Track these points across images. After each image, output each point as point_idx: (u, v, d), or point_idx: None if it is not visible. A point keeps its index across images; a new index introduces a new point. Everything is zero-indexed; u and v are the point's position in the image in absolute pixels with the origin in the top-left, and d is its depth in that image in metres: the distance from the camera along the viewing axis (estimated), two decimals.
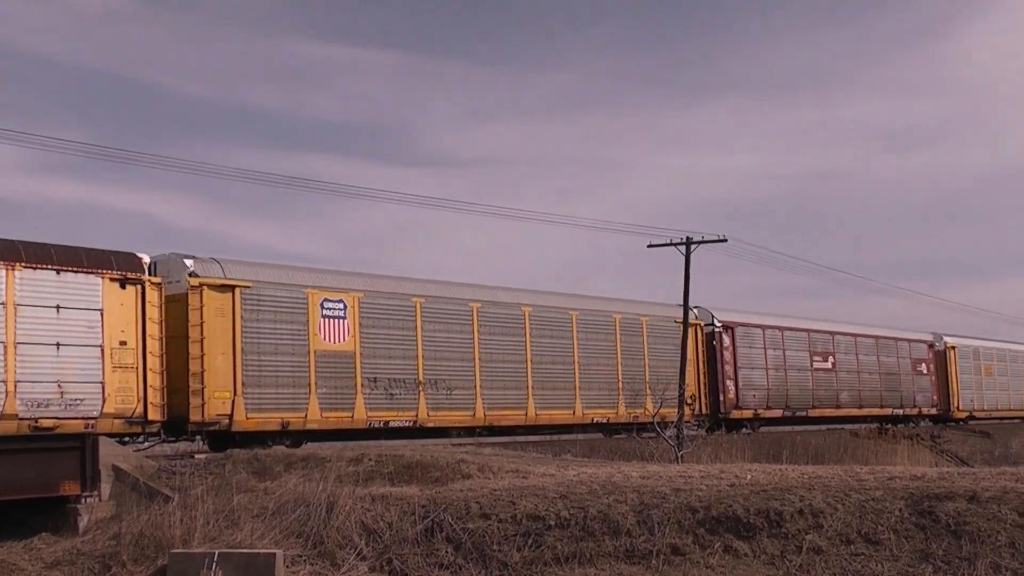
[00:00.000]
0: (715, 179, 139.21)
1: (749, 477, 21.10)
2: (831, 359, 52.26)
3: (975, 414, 63.61)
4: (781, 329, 48.96)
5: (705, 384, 44.09)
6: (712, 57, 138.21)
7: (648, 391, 38.66)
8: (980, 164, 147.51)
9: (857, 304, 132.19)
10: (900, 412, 56.58)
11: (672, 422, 35.57)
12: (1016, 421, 67.56)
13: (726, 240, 40.48)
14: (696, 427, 42.54)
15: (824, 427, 50.63)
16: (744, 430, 44.86)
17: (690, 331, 41.87)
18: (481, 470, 23.25)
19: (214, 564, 18.96)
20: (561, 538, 19.22)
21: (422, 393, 33.05)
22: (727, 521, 18.81)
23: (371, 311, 32.24)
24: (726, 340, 45.50)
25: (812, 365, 50.66)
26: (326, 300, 31.11)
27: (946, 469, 24.26)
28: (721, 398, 44.69)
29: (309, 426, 30.11)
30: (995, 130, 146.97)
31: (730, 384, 45.29)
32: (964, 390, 62.75)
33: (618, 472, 22.74)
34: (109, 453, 23.61)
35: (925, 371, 59.47)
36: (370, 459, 24.17)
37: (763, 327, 48.08)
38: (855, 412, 53.32)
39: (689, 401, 40.04)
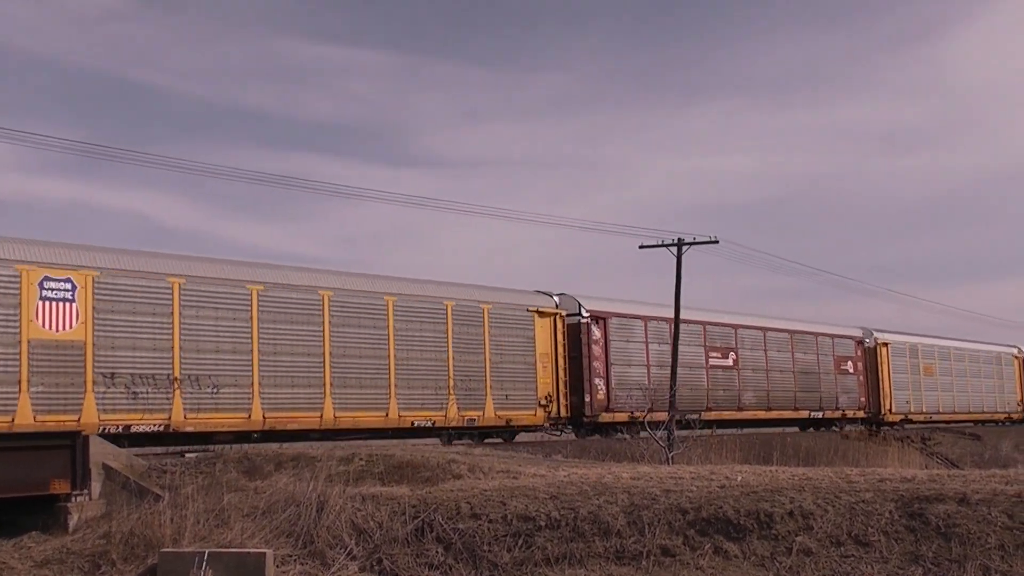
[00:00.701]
0: (709, 180, 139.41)
1: (739, 478, 21.12)
2: (732, 355, 46.96)
3: (911, 417, 59.13)
4: (669, 321, 42.10)
5: (566, 383, 38.25)
6: (706, 58, 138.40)
7: (489, 390, 34.84)
8: (973, 166, 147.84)
9: (850, 307, 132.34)
10: (819, 415, 52.16)
11: (530, 426, 34.25)
12: (963, 424, 63.52)
13: (717, 242, 40.54)
14: (557, 433, 38.54)
15: (722, 432, 42.52)
16: (619, 435, 38.73)
17: (545, 322, 37.45)
18: (471, 470, 23.25)
19: (204, 563, 18.94)
20: (551, 539, 19.23)
21: (178, 391, 28.02)
22: (717, 522, 18.83)
23: (110, 293, 27.12)
24: (596, 332, 40.06)
25: (708, 362, 45.41)
26: (47, 279, 25.96)
27: (936, 471, 24.29)
28: (587, 399, 39.08)
29: (17, 431, 25.09)
30: (988, 132, 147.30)
31: (599, 383, 39.79)
32: (898, 391, 58.18)
33: (609, 473, 22.75)
34: (99, 452, 23.55)
35: (851, 370, 54.68)
36: (360, 458, 24.17)
37: (645, 318, 42.55)
38: (761, 415, 48.45)
39: (543, 402, 36.64)
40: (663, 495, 19.87)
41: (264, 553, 19.24)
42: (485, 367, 35.36)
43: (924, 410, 60.01)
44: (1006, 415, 68.65)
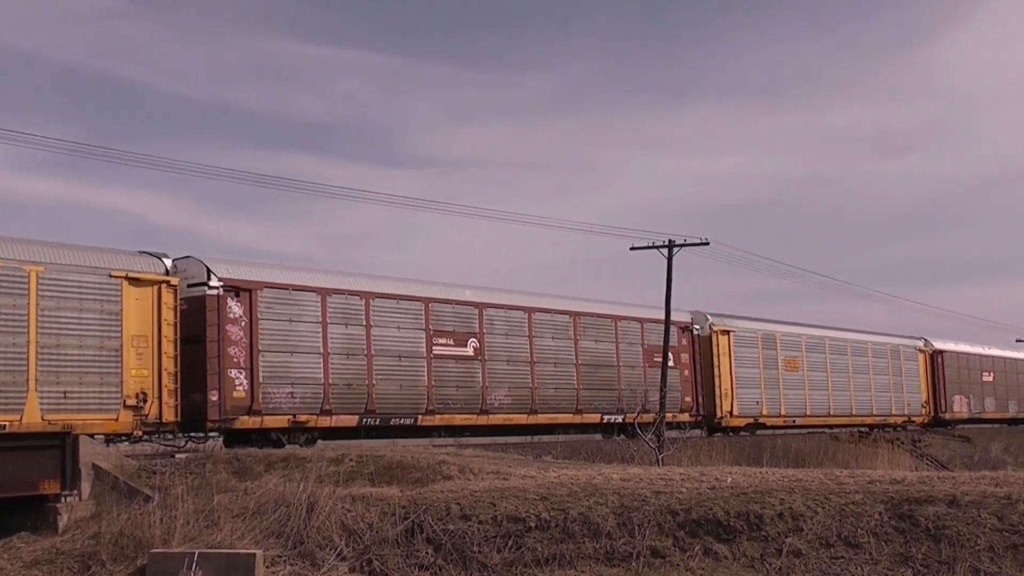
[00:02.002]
0: (700, 182, 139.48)
1: (730, 480, 21.14)
2: (473, 342, 35.55)
3: (764, 421, 48.25)
4: (366, 295, 32.81)
5: (175, 375, 26.87)
6: (697, 61, 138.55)
7: (33, 383, 23.63)
8: (963, 169, 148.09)
9: (841, 308, 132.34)
10: (616, 419, 40.02)
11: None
12: (842, 430, 53.52)
13: (708, 243, 40.52)
14: (155, 440, 27.66)
15: (468, 442, 34.42)
16: (294, 445, 29.93)
17: (144, 292, 26.59)
18: (462, 471, 23.24)
19: (194, 564, 18.93)
20: (541, 540, 19.23)
21: None
22: (707, 524, 18.84)
23: None
24: (234, 308, 29.54)
25: (432, 351, 34.18)
26: None
27: (926, 473, 24.32)
28: (214, 397, 28.56)
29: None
30: (978, 136, 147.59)
31: (239, 376, 29.19)
32: (743, 389, 47.01)
33: (599, 474, 22.76)
34: (89, 452, 23.54)
35: (673, 363, 42.16)
36: (351, 459, 24.15)
37: (323, 291, 31.82)
38: (519, 419, 37.02)
39: (134, 402, 25.78)
40: (653, 496, 19.88)
41: (254, 554, 19.23)
42: (28, 352, 24.46)
43: (784, 412, 49.52)
44: (905, 418, 59.03)
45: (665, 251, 40.39)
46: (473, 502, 20.44)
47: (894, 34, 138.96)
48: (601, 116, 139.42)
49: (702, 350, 45.29)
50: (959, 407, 64.05)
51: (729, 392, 46.13)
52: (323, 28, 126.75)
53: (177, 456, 25.77)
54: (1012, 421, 70.48)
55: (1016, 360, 74.10)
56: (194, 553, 19.19)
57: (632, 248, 41.36)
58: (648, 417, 36.22)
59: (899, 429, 58.20)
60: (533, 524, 19.55)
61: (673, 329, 41.85)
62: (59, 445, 23.14)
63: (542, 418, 37.63)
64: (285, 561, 19.78)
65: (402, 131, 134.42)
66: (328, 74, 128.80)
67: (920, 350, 61.39)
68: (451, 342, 34.98)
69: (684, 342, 44.08)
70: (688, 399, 43.90)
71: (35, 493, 22.52)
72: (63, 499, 22.73)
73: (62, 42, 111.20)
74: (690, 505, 19.33)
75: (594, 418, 39.47)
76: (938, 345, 63.29)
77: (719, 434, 45.50)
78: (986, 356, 69.27)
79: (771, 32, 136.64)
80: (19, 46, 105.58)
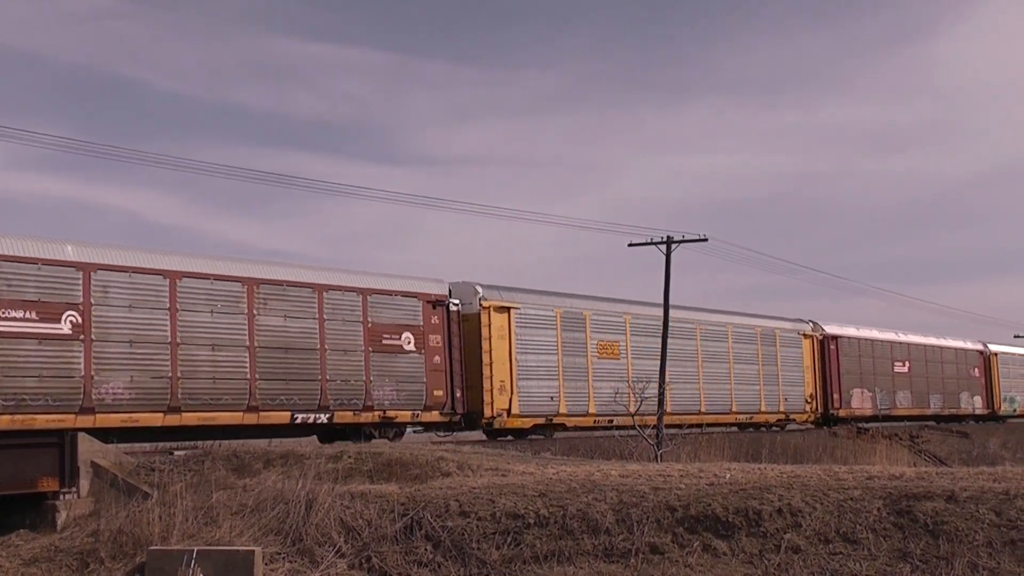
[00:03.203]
0: (699, 180, 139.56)
1: (728, 476, 21.14)
2: (71, 317, 26.60)
3: (564, 421, 39.07)
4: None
5: None
6: (695, 58, 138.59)
7: None
8: (962, 167, 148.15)
9: (839, 306, 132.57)
10: (322, 418, 31.22)
11: None
12: (677, 431, 39.26)
13: (707, 240, 40.49)
14: None
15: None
16: None
17: None
18: (460, 468, 23.24)
19: (193, 561, 18.92)
20: (540, 536, 19.24)
21: None
22: (706, 520, 18.85)
23: None
24: None
25: None
26: None
27: (924, 469, 24.33)
28: None
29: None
30: (976, 134, 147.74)
31: None
32: (530, 381, 37.57)
33: (597, 471, 22.76)
34: (88, 449, 23.52)
35: (415, 346, 33.77)
36: (349, 456, 24.15)
37: None
38: (154, 421, 27.98)
39: None
40: (652, 493, 19.89)
41: (253, 551, 19.23)
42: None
43: (595, 411, 39.80)
44: (781, 415, 49.95)
45: (663, 247, 40.37)
46: (472, 499, 20.44)
47: (893, 32, 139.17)
48: (600, 114, 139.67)
49: (467, 331, 35.98)
50: (859, 402, 55.63)
51: (507, 385, 36.53)
52: (323, 27, 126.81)
53: (176, 453, 25.78)
54: (935, 419, 62.00)
55: (940, 348, 64.59)
56: (193, 550, 19.18)
57: (630, 244, 41.35)
58: (371, 416, 31.47)
59: (770, 429, 48.72)
60: (532, 521, 19.55)
61: (414, 304, 34.03)
62: (58, 443, 23.13)
63: (190, 418, 28.56)
64: (284, 558, 19.78)
65: (402, 129, 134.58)
66: (328, 73, 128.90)
67: (805, 335, 52.52)
68: (31, 315, 26.09)
69: (436, 320, 34.62)
70: (439, 393, 34.14)
71: (34, 491, 22.51)
72: (62, 496, 22.72)
73: (62, 42, 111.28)
74: (689, 501, 19.34)
75: (280, 417, 30.44)
76: (831, 329, 54.68)
77: (501, 436, 37.55)
78: (899, 343, 60.32)
79: (770, 30, 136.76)
80: (19, 46, 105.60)
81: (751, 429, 46.51)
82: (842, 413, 53.77)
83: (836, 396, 53.83)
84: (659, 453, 32.19)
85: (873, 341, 58.00)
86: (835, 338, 54.60)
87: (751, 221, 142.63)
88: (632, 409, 34.99)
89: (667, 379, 38.98)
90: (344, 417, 31.10)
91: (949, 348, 65.36)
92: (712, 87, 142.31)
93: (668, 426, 38.10)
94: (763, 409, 48.12)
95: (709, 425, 44.37)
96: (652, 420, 35.26)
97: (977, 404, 67.49)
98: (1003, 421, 69.36)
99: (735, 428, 46.64)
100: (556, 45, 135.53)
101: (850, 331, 56.39)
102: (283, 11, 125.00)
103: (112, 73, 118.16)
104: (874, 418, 56.77)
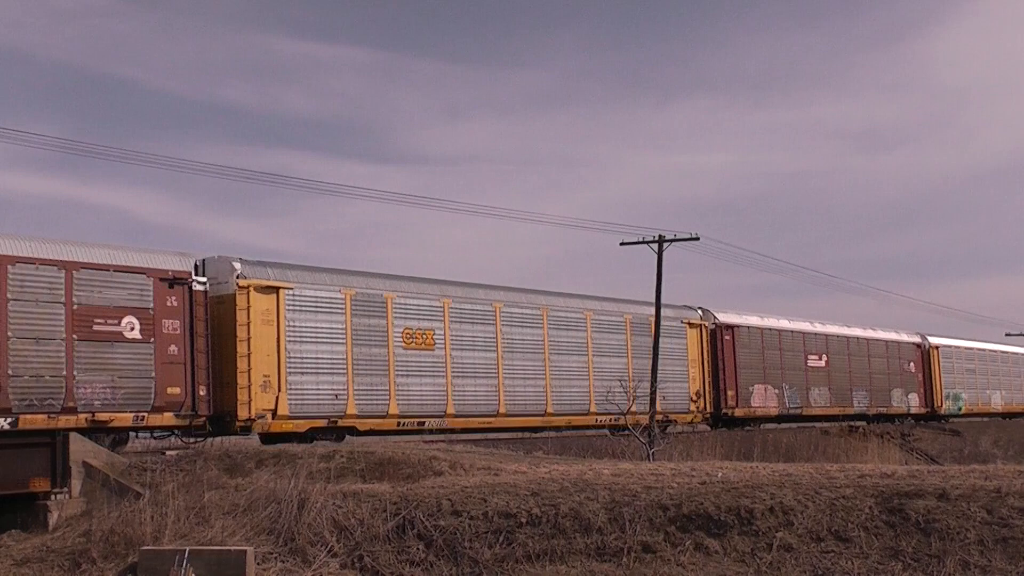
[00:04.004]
0: (689, 178, 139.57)
1: (720, 475, 21.16)
2: None
3: (354, 424, 31.89)
4: None
5: None
6: (686, 57, 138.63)
7: None
8: (953, 165, 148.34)
9: (832, 304, 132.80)
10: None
11: None
12: (518, 434, 37.47)
13: (698, 238, 40.46)
14: None
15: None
16: None
17: None
18: (453, 467, 23.25)
19: (185, 561, 18.91)
20: (532, 535, 19.23)
21: None
22: (698, 519, 18.86)
23: None
24: None
25: None
26: None
27: (916, 467, 24.38)
28: None
29: None
30: (966, 131, 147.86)
31: None
32: (305, 376, 30.90)
33: (589, 470, 22.77)
34: (80, 449, 23.52)
35: (144, 334, 27.09)
36: (341, 456, 24.15)
37: None
38: None
39: None
40: (644, 492, 19.89)
41: (245, 551, 19.21)
42: None
43: (399, 411, 33.03)
44: (659, 416, 39.17)
45: (655, 246, 40.36)
46: (464, 498, 20.44)
47: (884, 29, 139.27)
48: (591, 112, 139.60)
49: (219, 316, 29.59)
50: (761, 400, 48.76)
51: (273, 381, 30.16)
52: (313, 25, 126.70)
53: (168, 453, 25.76)
54: (859, 418, 56.06)
55: (866, 340, 58.20)
56: (185, 550, 19.16)
57: (623, 243, 41.34)
58: (75, 420, 25.11)
59: (616, 433, 38.19)
60: (524, 520, 19.55)
61: (147, 282, 27.51)
62: (49, 443, 23.11)
63: None
64: (276, 558, 19.76)
65: (394, 128, 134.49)
66: (320, 71, 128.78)
67: (691, 323, 45.26)
68: None
69: (173, 302, 27.98)
70: (175, 391, 27.67)
71: (25, 491, 22.49)
72: (53, 497, 22.71)
73: (52, 40, 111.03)
74: (681, 500, 19.35)
75: None
76: (725, 318, 47.91)
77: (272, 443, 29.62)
78: (814, 334, 53.54)
79: (761, 28, 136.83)
80: (9, 44, 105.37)
81: (624, 432, 35.52)
82: (738, 412, 46.93)
83: (731, 393, 46.77)
84: (651, 452, 32.22)
85: (781, 332, 51.12)
86: (731, 328, 47.74)
87: (743, 220, 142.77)
88: (451, 410, 32.31)
89: (503, 374, 36.12)
90: (34, 422, 24.68)
91: (878, 340, 58.93)
92: (704, 85, 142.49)
93: (476, 430, 35.14)
94: (631, 409, 37.27)
95: (544, 428, 38.38)
96: (479, 423, 34.41)
97: (913, 402, 60.88)
98: (946, 421, 62.85)
99: (606, 432, 38.54)
100: (548, 44, 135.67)
101: (751, 320, 49.80)
102: (274, 9, 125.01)
103: (102, 71, 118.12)
104: (782, 418, 50.34)
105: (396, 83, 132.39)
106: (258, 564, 19.37)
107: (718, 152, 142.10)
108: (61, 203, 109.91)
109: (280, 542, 20.13)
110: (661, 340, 40.25)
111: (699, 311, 46.56)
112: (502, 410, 35.95)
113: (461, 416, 34.43)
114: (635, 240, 40.99)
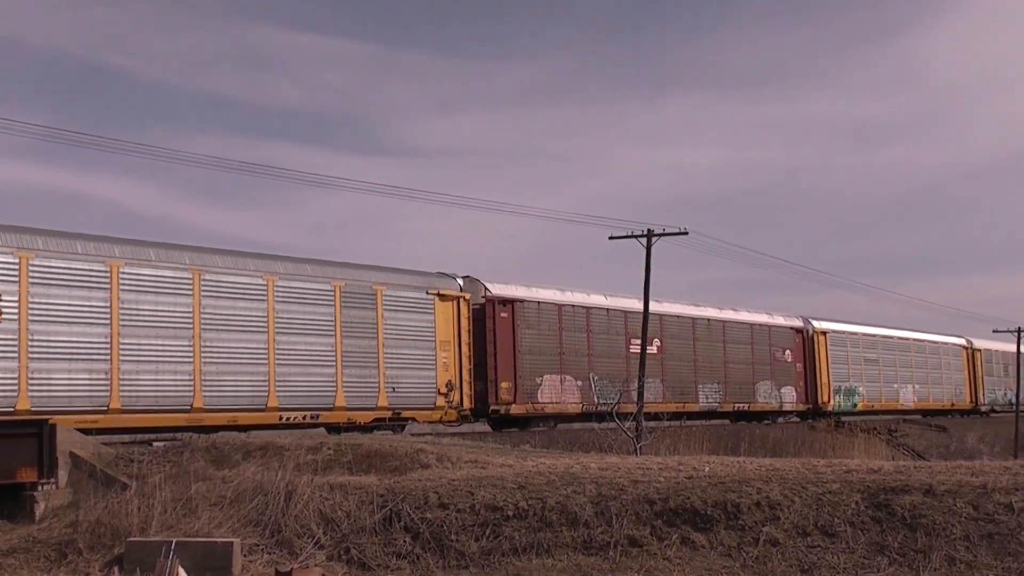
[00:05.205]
0: (681, 173, 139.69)
1: (707, 469, 21.18)
2: None
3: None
4: None
5: None
6: (678, 51, 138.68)
7: None
8: (945, 161, 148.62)
9: (822, 300, 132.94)
10: None
11: None
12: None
13: (687, 233, 40.37)
14: None
15: None
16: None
17: None
18: (440, 460, 23.25)
19: (171, 553, 18.88)
20: (519, 529, 19.25)
21: None
22: (685, 513, 18.88)
23: None
24: None
25: None
26: None
27: (902, 463, 24.43)
28: None
29: None
30: (960, 127, 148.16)
31: None
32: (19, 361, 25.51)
33: (577, 463, 22.78)
34: (67, 440, 23.46)
35: None
36: (328, 448, 24.14)
37: None
38: None
39: None
40: (631, 485, 19.91)
41: (232, 542, 19.21)
42: None
43: (140, 407, 27.67)
44: (384, 412, 33.21)
45: (644, 240, 40.30)
46: (451, 491, 20.45)
47: (876, 25, 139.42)
48: (583, 106, 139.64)
49: None
50: (555, 394, 39.45)
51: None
52: (306, 17, 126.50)
53: (155, 444, 25.72)
54: (709, 415, 47.28)
55: (721, 322, 48.87)
56: (171, 542, 19.14)
57: (611, 237, 41.22)
58: None
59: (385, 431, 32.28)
60: (511, 513, 19.56)
61: None
62: (36, 433, 23.06)
63: None
64: (263, 550, 19.76)
65: (386, 120, 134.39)
66: (311, 63, 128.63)
67: (443, 296, 35.52)
68: None
69: None
70: None
71: (12, 481, 22.44)
72: (40, 487, 22.64)
73: (44, 29, 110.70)
74: (668, 494, 19.37)
75: None
76: (500, 290, 38.27)
77: None
78: (637, 313, 40.31)
79: (753, 23, 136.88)
80: (1, 33, 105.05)
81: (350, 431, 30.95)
82: (517, 409, 37.74)
83: (506, 385, 37.58)
84: (638, 446, 32.27)
85: (589, 309, 41.93)
86: (508, 302, 38.21)
87: (734, 215, 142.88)
88: (120, 403, 26.99)
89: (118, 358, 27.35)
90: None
91: (738, 323, 49.69)
92: (696, 80, 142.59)
93: (130, 430, 27.94)
94: (339, 404, 31.58)
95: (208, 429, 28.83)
96: (156, 418, 27.45)
97: (789, 398, 52.50)
98: (839, 420, 55.16)
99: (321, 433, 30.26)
100: (540, 37, 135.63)
101: (544, 294, 40.20)
102: (266, 1, 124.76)
103: (94, 61, 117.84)
104: (587, 415, 40.10)
105: (388, 76, 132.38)
106: (245, 556, 19.37)
107: (710, 147, 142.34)
108: (50, 193, 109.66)
109: (267, 534, 20.13)
110: (390, 316, 33.25)
111: (460, 280, 36.89)
112: (158, 402, 28.19)
113: (132, 409, 27.65)
114: (624, 234, 40.91)
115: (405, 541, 19.61)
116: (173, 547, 18.99)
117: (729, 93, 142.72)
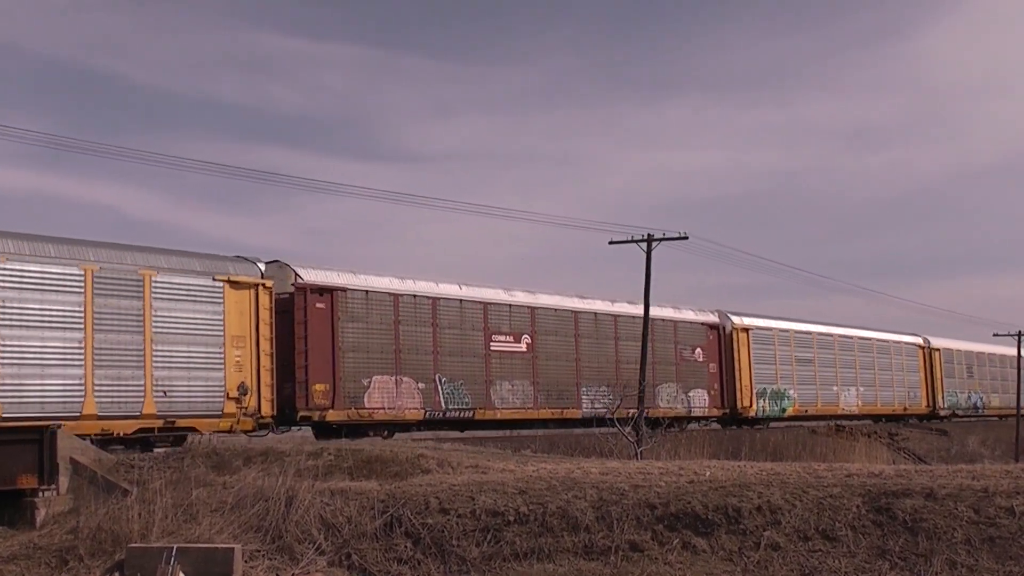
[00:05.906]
0: (679, 177, 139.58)
1: (708, 474, 21.18)
2: None
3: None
4: None
5: None
6: (676, 55, 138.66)
7: None
8: (942, 163, 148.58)
9: (819, 303, 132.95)
10: None
11: None
12: None
13: (687, 237, 40.27)
14: None
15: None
16: None
17: None
18: (440, 465, 23.24)
19: (172, 558, 18.87)
20: (520, 534, 19.24)
21: None
22: (685, 518, 18.87)
23: None
24: None
25: None
26: None
27: (903, 467, 24.43)
28: None
29: None
30: (957, 130, 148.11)
31: None
32: None
33: (577, 468, 22.77)
34: (67, 446, 23.44)
35: None
36: (329, 453, 24.13)
37: None
38: None
39: None
40: (632, 490, 19.90)
41: (232, 548, 19.19)
42: None
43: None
44: (154, 421, 27.52)
45: (644, 245, 40.25)
46: (452, 496, 20.44)
47: (874, 28, 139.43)
48: (581, 111, 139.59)
49: None
50: (388, 399, 33.97)
51: None
52: (303, 21, 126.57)
53: (155, 450, 25.69)
54: (588, 423, 37.60)
55: (612, 316, 43.25)
56: (172, 548, 19.13)
57: (611, 242, 41.16)
58: None
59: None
60: (512, 518, 19.55)
61: None
62: (37, 439, 23.04)
63: None
64: (264, 556, 19.75)
65: (383, 125, 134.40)
66: (309, 68, 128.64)
67: (234, 283, 29.71)
68: None
69: None
70: None
71: (13, 487, 22.42)
72: (41, 494, 22.63)
73: (41, 34, 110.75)
74: (668, 499, 19.36)
75: None
76: (313, 276, 32.75)
77: None
78: (499, 304, 38.52)
79: (750, 27, 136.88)
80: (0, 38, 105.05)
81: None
82: (335, 415, 32.29)
83: (320, 388, 32.12)
84: (639, 451, 32.22)
85: (435, 300, 36.21)
86: (327, 292, 32.78)
87: (734, 219, 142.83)
88: None
89: None
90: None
91: (632, 316, 42.61)
92: (693, 84, 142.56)
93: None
94: (88, 412, 26.22)
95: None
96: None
97: (699, 402, 46.74)
98: (766, 426, 49.97)
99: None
100: (537, 41, 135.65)
101: (377, 283, 34.75)
102: (264, 6, 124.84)
103: (92, 67, 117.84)
104: (434, 423, 35.88)
105: (386, 80, 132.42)
106: (246, 562, 19.35)
107: (708, 151, 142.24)
108: (46, 198, 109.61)
109: (268, 540, 20.11)
110: (162, 306, 27.80)
111: (261, 265, 31.05)
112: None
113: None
114: (624, 239, 40.82)
115: (406, 546, 19.60)
116: (174, 553, 18.98)
117: (728, 96, 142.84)
